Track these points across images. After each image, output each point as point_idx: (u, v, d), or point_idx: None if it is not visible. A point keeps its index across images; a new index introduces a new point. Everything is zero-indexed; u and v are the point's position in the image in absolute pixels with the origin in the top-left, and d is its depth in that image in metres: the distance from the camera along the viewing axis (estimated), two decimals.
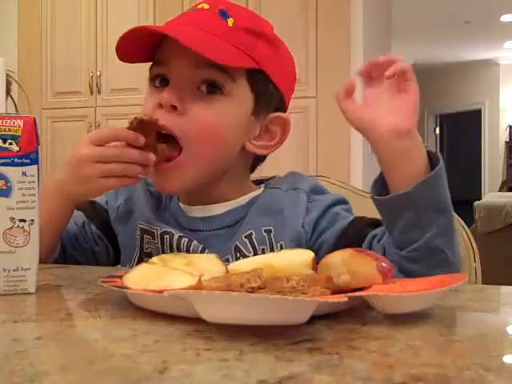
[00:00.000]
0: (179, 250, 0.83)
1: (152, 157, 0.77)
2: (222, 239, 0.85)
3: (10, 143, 0.62)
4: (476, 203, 4.02)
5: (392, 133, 0.72)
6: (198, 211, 0.88)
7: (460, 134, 11.02)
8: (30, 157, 0.62)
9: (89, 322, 0.51)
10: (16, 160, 0.62)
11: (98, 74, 3.66)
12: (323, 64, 3.26)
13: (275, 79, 0.86)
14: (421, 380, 0.36)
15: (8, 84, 2.40)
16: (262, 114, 0.86)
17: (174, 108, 0.80)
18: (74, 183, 0.78)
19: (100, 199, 0.94)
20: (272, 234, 0.84)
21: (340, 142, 3.24)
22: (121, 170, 0.76)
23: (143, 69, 0.88)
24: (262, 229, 0.84)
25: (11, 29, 3.84)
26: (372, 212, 0.81)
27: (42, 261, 0.66)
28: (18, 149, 0.62)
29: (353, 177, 3.18)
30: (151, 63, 0.86)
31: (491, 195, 5.30)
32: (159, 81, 0.84)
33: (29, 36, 3.83)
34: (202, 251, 0.82)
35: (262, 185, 0.93)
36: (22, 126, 0.62)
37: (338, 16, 3.26)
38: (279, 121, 0.88)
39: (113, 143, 0.77)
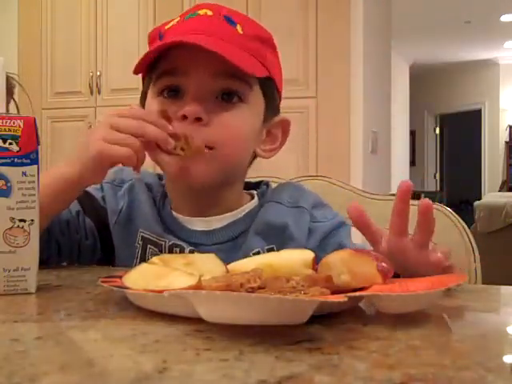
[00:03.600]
0: None
1: (170, 141, 0.76)
2: (225, 254, 0.84)
3: (10, 143, 0.62)
4: (476, 203, 4.02)
5: None
6: (198, 223, 0.87)
7: (460, 134, 11.02)
8: (29, 157, 0.62)
9: (89, 322, 0.51)
10: (16, 160, 0.62)
11: (98, 74, 3.66)
12: (323, 64, 3.26)
13: (278, 85, 0.88)
14: (421, 380, 0.36)
15: (11, 87, 2.39)
16: (268, 119, 0.88)
17: (199, 120, 0.79)
18: (86, 149, 0.75)
19: (95, 193, 0.90)
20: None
21: (340, 142, 3.24)
22: (133, 141, 0.73)
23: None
24: (265, 247, 0.85)
25: (11, 29, 3.84)
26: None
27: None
28: (17, 149, 0.62)
29: (353, 177, 3.18)
30: (156, 75, 0.83)
31: (491, 195, 5.30)
32: (167, 92, 0.82)
33: (29, 36, 3.83)
34: None
35: (254, 192, 0.93)
36: (21, 125, 0.62)
37: (338, 16, 3.27)
38: (281, 124, 0.90)
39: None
